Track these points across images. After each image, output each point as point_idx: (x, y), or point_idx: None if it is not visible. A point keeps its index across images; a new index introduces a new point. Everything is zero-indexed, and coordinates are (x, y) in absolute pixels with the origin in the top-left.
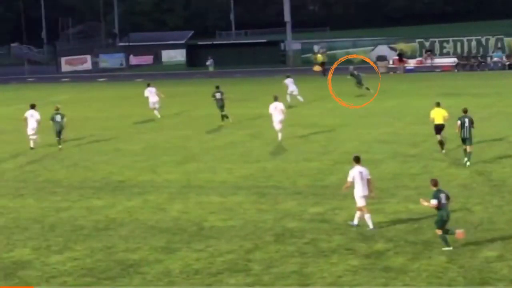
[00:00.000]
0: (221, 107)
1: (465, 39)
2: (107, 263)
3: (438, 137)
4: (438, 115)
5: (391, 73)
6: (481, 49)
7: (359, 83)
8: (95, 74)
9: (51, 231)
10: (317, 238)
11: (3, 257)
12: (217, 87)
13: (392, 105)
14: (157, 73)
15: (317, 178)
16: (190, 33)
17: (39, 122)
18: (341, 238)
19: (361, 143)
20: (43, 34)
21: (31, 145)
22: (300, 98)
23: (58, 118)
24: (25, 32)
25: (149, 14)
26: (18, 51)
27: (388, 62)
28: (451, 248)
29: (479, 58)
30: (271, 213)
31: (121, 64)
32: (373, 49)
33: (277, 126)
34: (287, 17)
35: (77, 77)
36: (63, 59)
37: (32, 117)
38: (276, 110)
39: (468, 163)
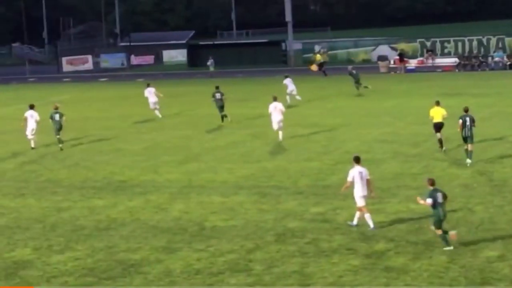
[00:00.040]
0: (221, 108)
1: (466, 39)
2: (108, 263)
3: (438, 135)
4: (437, 114)
5: (392, 73)
6: (482, 49)
7: (357, 82)
8: (96, 74)
9: (52, 231)
10: (318, 238)
11: (4, 257)
12: (217, 88)
13: (393, 105)
14: (158, 73)
15: (318, 178)
16: (191, 33)
17: (38, 123)
18: (342, 238)
19: (362, 143)
20: (44, 34)
21: (32, 145)
22: (298, 97)
23: (57, 117)
24: (26, 32)
25: (150, 14)
26: (19, 51)
27: (389, 62)
28: (451, 248)
29: (480, 58)
30: (272, 213)
31: (122, 64)
32: (374, 49)
33: (275, 126)
34: (288, 17)
35: (78, 77)
36: (64, 59)
37: (32, 118)
38: (276, 110)
39: (469, 161)
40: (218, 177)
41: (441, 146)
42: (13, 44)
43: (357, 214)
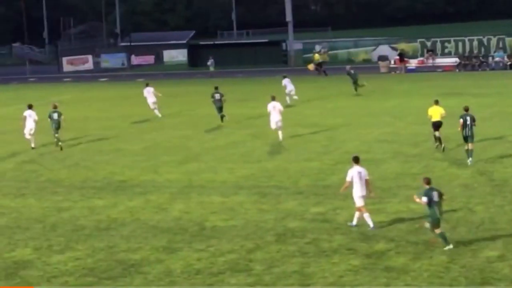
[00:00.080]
0: (219, 108)
1: (466, 39)
2: (109, 263)
3: (436, 133)
4: (436, 113)
5: (393, 73)
6: (482, 49)
7: (355, 82)
8: (96, 74)
9: (52, 231)
10: (319, 238)
11: (4, 257)
12: (216, 88)
13: (393, 105)
14: (159, 73)
15: (318, 178)
16: (192, 33)
17: (36, 122)
18: (343, 238)
19: (362, 143)
20: (45, 34)
21: (32, 145)
22: (295, 96)
23: (55, 116)
24: (27, 32)
25: (151, 14)
26: (20, 51)
27: (390, 62)
28: (451, 247)
29: (480, 58)
30: (273, 213)
31: (123, 64)
32: (374, 49)
33: (273, 125)
34: (288, 17)
35: (79, 77)
36: (64, 59)
37: (30, 117)
38: (275, 110)
39: (470, 160)
40: (218, 177)
41: (440, 144)
42: (14, 44)
43: (357, 214)
